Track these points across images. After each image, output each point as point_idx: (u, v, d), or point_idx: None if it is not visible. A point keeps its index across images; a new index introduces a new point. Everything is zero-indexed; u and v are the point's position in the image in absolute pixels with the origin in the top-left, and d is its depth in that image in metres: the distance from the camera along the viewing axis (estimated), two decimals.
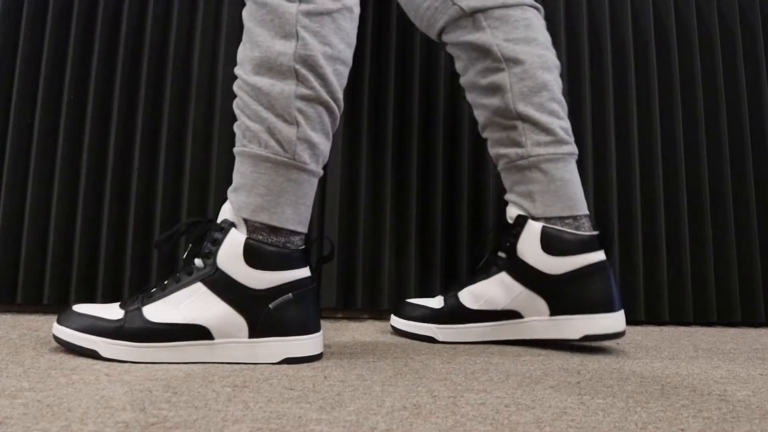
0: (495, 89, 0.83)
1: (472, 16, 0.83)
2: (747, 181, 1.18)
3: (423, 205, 1.11)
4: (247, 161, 0.68)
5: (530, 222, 0.80)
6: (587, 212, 0.82)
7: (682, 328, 1.08)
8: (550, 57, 0.84)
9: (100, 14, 1.08)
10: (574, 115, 1.16)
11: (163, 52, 1.09)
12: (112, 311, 0.67)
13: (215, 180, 1.07)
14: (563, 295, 0.77)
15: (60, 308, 1.03)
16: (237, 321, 0.67)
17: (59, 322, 0.68)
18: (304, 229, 0.71)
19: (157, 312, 0.66)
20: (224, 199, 1.07)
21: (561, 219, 0.80)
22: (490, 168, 1.13)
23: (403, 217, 1.11)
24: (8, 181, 1.03)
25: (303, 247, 0.71)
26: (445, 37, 0.88)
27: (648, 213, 1.15)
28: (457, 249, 1.10)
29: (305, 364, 0.66)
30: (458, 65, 0.88)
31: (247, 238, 0.67)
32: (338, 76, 0.71)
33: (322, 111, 0.69)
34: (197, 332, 0.66)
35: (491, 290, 0.81)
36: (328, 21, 0.69)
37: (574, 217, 0.80)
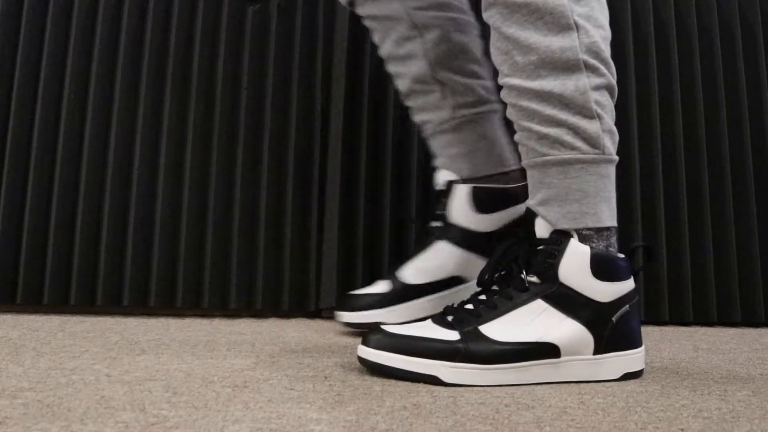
0: (412, 57, 0.83)
1: None
2: (747, 181, 1.18)
3: (424, 203, 1.11)
4: (552, 169, 0.64)
5: (457, 186, 0.79)
6: (516, 166, 0.81)
7: (682, 328, 1.08)
8: (466, 19, 0.83)
9: (100, 14, 1.08)
10: None
11: (163, 52, 1.09)
12: (437, 331, 0.62)
13: (215, 180, 1.07)
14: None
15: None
16: (585, 337, 0.63)
17: (371, 345, 0.61)
18: (616, 223, 0.68)
19: (501, 332, 0.62)
20: (228, 199, 1.07)
21: (490, 177, 0.79)
22: None
23: (403, 217, 1.11)
24: (8, 181, 1.03)
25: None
26: (359, 10, 0.88)
27: (648, 213, 1.15)
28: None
29: (306, 365, 0.66)
30: (375, 37, 0.89)
31: (592, 249, 0.63)
32: (609, 53, 0.67)
33: (609, 96, 0.67)
34: (546, 351, 0.62)
35: (431, 261, 0.79)
36: (594, 2, 0.66)
37: (504, 173, 0.80)
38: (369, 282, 1.08)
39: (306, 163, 1.10)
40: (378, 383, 0.58)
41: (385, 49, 0.87)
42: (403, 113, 1.13)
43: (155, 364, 0.63)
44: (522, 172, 0.78)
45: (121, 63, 1.07)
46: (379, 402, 0.52)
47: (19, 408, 0.46)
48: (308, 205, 1.10)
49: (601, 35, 0.66)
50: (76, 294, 1.02)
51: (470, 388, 0.58)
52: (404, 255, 1.09)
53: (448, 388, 0.58)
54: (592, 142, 0.64)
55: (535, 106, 0.64)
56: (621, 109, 1.17)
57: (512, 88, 0.66)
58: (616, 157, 0.66)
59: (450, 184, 0.80)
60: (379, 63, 1.14)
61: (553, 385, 0.60)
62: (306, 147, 1.11)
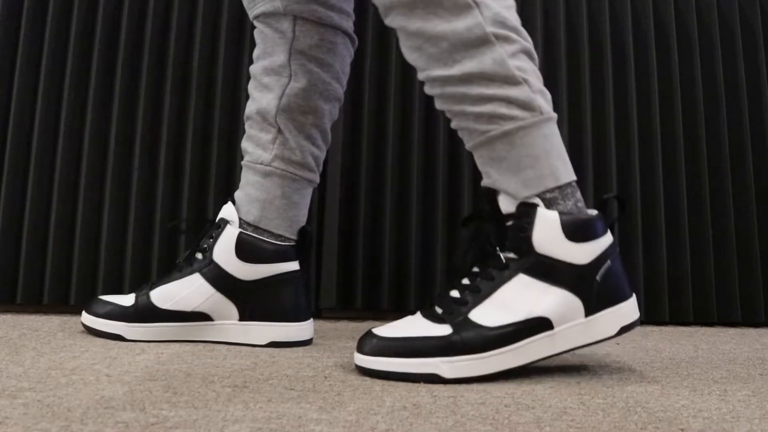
0: (269, 90, 0.82)
1: (285, 16, 0.82)
2: (747, 181, 1.18)
3: (424, 204, 1.11)
4: (498, 144, 0.65)
5: (229, 227, 0.79)
6: (295, 238, 0.81)
7: (682, 328, 1.08)
8: (337, 89, 0.84)
9: (100, 14, 1.08)
10: (573, 116, 1.16)
11: (163, 52, 1.09)
12: (429, 327, 0.62)
13: (215, 180, 1.07)
14: (254, 301, 0.77)
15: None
16: (573, 302, 0.62)
17: (366, 351, 0.62)
18: (575, 176, 0.67)
19: (490, 316, 0.61)
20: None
21: (272, 234, 0.80)
22: None
23: (404, 217, 1.11)
24: (8, 181, 1.03)
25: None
26: (260, 22, 0.86)
27: (648, 213, 1.15)
28: (458, 248, 1.10)
29: (306, 365, 0.66)
30: (255, 51, 0.86)
31: (561, 213, 0.63)
32: (517, 20, 0.67)
33: (529, 59, 0.67)
34: (538, 325, 0.61)
35: (183, 290, 0.78)
36: None
37: (286, 238, 0.80)
38: (369, 282, 1.09)
39: None
40: (378, 383, 0.58)
41: (254, 66, 0.85)
42: (403, 113, 1.13)
43: (155, 364, 0.63)
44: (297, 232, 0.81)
45: (121, 63, 1.07)
46: (379, 402, 0.52)
47: (19, 408, 0.46)
48: None
49: (502, 4, 0.66)
50: (76, 294, 1.02)
51: (470, 388, 0.58)
52: (406, 255, 1.09)
53: (448, 388, 0.58)
54: (526, 106, 0.64)
55: (462, 89, 0.65)
56: (621, 109, 1.17)
57: (434, 79, 0.66)
58: (554, 114, 0.66)
59: (223, 221, 0.80)
60: (379, 63, 1.14)
61: (553, 385, 0.60)
62: None
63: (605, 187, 1.15)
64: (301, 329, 0.78)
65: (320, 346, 0.78)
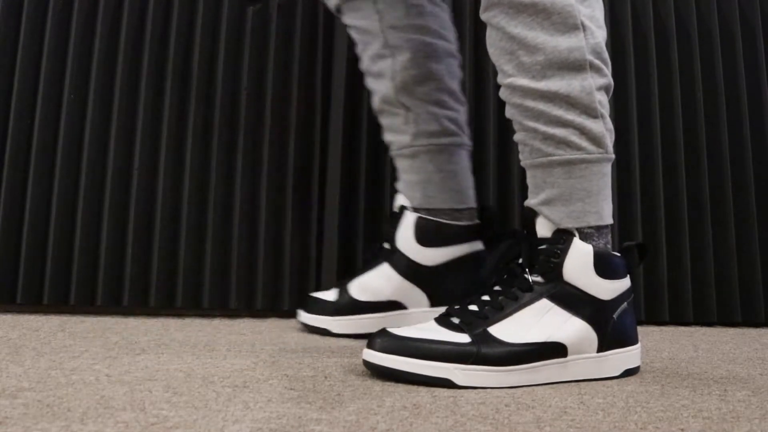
0: (382, 76, 0.82)
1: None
2: (747, 180, 1.18)
3: None
4: (557, 169, 0.65)
5: (407, 213, 0.78)
6: (473, 205, 0.80)
7: (682, 328, 1.08)
8: (443, 45, 0.81)
9: (100, 14, 1.08)
10: None
11: (163, 52, 1.09)
12: (445, 333, 0.62)
13: (215, 180, 1.07)
14: (442, 285, 0.76)
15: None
16: (590, 335, 0.64)
17: (377, 348, 0.61)
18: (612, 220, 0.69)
19: (510, 333, 0.62)
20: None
21: (441, 210, 0.78)
22: (490, 169, 1.12)
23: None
24: (8, 181, 1.03)
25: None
26: (344, 18, 0.88)
27: (648, 213, 1.15)
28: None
29: (306, 365, 0.66)
30: (357, 49, 0.88)
31: (594, 247, 0.64)
32: (607, 55, 0.68)
33: (607, 96, 0.67)
34: (554, 350, 0.63)
35: (374, 281, 0.79)
36: (595, 2, 0.66)
37: (457, 210, 0.79)
38: None
39: (306, 163, 1.10)
40: (378, 383, 0.58)
41: (363, 63, 0.87)
42: None
43: (155, 364, 0.63)
44: (475, 212, 0.80)
45: (121, 63, 1.07)
46: (379, 402, 0.52)
47: (19, 408, 0.46)
48: (308, 204, 1.10)
49: (602, 36, 0.66)
50: (76, 294, 1.02)
51: (470, 389, 0.58)
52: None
53: (448, 388, 0.58)
54: (597, 141, 0.65)
55: (541, 106, 0.64)
56: (621, 108, 1.17)
57: (516, 88, 0.66)
58: (614, 156, 0.68)
59: (402, 209, 0.80)
60: None
61: (554, 385, 0.60)
62: (306, 147, 1.11)
63: None
64: None
65: (320, 347, 0.78)
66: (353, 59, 1.13)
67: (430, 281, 0.77)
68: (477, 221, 0.80)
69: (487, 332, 0.61)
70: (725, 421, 0.49)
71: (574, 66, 0.64)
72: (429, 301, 0.77)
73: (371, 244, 1.05)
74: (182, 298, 1.04)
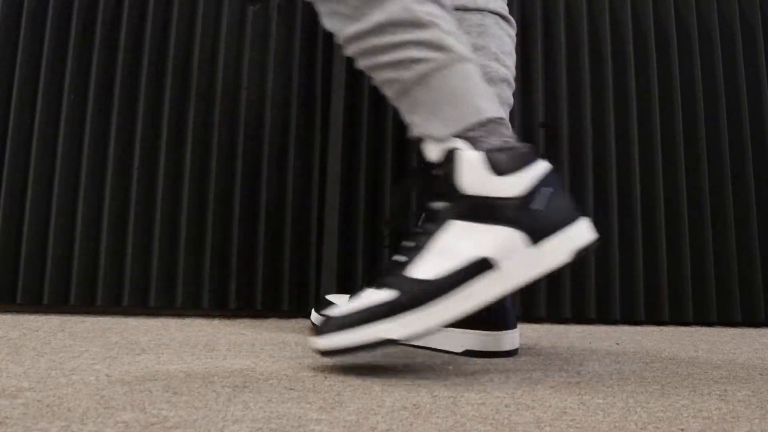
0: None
1: None
2: (747, 180, 1.18)
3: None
4: (416, 89, 0.65)
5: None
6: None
7: (682, 328, 1.08)
8: (498, 69, 0.79)
9: (100, 14, 1.08)
10: (574, 115, 1.16)
11: (163, 52, 1.09)
12: (375, 295, 0.61)
13: (215, 180, 1.07)
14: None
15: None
16: (513, 236, 0.60)
17: (321, 333, 0.61)
18: (501, 114, 0.66)
19: (430, 269, 0.60)
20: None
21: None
22: None
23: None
24: (8, 181, 1.03)
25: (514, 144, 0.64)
26: None
27: (648, 213, 1.15)
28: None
29: (306, 365, 0.66)
30: None
31: (482, 149, 0.62)
32: None
33: (437, 6, 0.67)
34: (479, 267, 0.60)
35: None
36: None
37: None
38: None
39: (306, 163, 1.10)
40: (378, 383, 0.58)
41: None
42: None
43: (155, 364, 0.63)
44: None
45: (121, 63, 1.07)
46: (379, 402, 0.52)
47: (19, 408, 0.46)
48: (308, 204, 1.10)
49: None
50: (76, 294, 1.02)
51: (470, 388, 0.58)
52: None
53: (448, 388, 0.58)
54: (438, 47, 0.65)
55: (374, 41, 0.66)
56: (621, 108, 1.17)
57: (349, 38, 0.68)
58: (471, 56, 0.67)
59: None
60: None
61: (553, 385, 0.60)
62: (306, 147, 1.11)
63: (605, 187, 1.15)
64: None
65: None
66: (353, 59, 1.13)
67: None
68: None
69: (407, 277, 0.60)
70: (725, 421, 0.49)
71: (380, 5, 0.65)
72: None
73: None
74: (182, 298, 1.04)
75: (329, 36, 1.14)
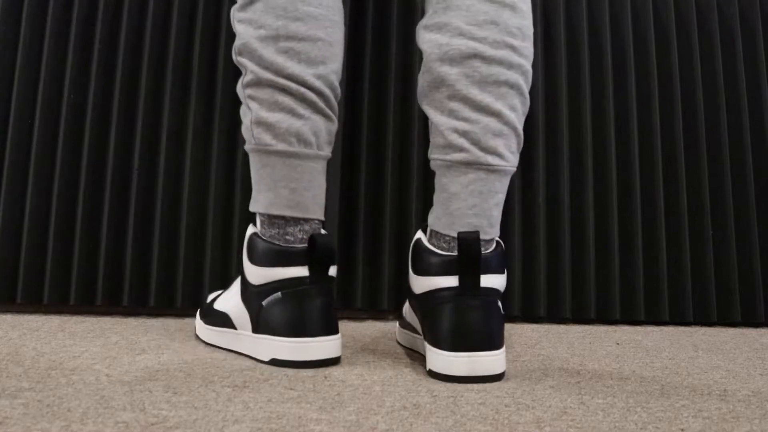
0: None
1: None
2: (747, 181, 1.18)
3: (424, 204, 1.11)
4: (253, 160, 0.72)
5: (419, 233, 0.70)
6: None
7: (682, 328, 1.08)
8: (459, 45, 0.66)
9: (100, 14, 1.08)
10: (574, 116, 1.16)
11: (163, 52, 1.09)
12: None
13: (215, 180, 1.07)
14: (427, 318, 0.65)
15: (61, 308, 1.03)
16: (243, 314, 0.71)
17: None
18: (302, 214, 0.69)
19: (222, 300, 0.77)
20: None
21: (442, 236, 0.67)
22: None
23: (404, 216, 1.11)
24: (8, 181, 1.03)
25: (302, 245, 0.67)
26: None
27: (648, 213, 1.15)
28: None
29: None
30: None
31: (252, 234, 0.70)
32: (287, 53, 0.67)
33: (273, 91, 0.68)
34: (226, 320, 0.73)
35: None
36: (258, 6, 0.69)
37: (452, 237, 0.66)
38: (369, 281, 1.08)
39: None
40: (378, 383, 0.58)
41: None
42: (403, 112, 1.13)
43: (155, 364, 0.63)
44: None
45: (121, 63, 1.07)
46: (379, 402, 0.52)
47: (19, 408, 0.46)
48: None
49: (258, 36, 0.68)
50: (76, 294, 1.02)
51: (470, 387, 0.58)
52: (405, 255, 1.09)
53: (448, 388, 0.58)
54: (248, 133, 0.70)
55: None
56: (621, 109, 1.17)
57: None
58: (283, 148, 0.68)
59: (424, 226, 0.71)
60: (379, 63, 1.14)
61: (554, 385, 0.60)
62: None
63: (605, 187, 1.15)
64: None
65: None
66: (353, 59, 1.13)
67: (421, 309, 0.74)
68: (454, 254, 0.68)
69: (213, 302, 0.79)
70: (725, 421, 0.49)
71: (239, 72, 0.72)
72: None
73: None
74: (182, 298, 1.04)
75: None
